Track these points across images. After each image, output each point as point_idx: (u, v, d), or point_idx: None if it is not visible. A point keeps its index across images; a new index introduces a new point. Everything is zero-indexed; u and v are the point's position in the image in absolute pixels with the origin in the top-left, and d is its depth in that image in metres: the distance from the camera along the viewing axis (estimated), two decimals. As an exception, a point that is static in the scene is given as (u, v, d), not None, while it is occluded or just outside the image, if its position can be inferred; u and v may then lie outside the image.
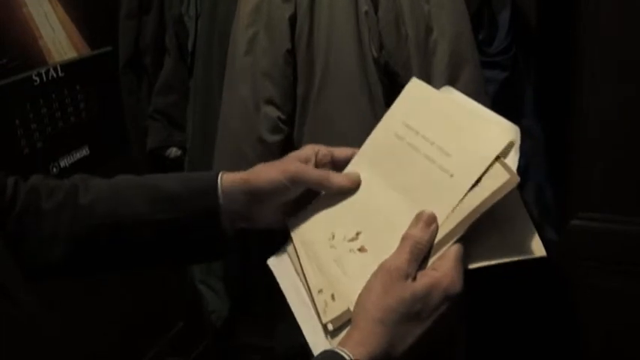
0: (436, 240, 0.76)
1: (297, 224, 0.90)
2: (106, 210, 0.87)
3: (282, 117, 1.63)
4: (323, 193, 0.90)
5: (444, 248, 0.75)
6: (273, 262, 0.92)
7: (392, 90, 1.59)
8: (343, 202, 0.88)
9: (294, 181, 0.87)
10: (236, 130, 1.63)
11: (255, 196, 0.88)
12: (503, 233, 0.76)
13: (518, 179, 0.73)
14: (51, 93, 1.76)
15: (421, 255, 0.75)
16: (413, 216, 0.77)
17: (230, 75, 1.65)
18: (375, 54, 1.58)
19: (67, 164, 1.82)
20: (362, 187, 0.88)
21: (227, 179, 0.89)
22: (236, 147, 1.62)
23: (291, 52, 1.60)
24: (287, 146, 1.64)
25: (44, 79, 1.73)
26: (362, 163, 0.90)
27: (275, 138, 1.63)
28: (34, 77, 1.70)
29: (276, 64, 1.60)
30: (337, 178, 0.88)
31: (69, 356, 0.75)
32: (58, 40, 1.76)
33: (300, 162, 0.90)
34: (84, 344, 1.79)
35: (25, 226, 0.85)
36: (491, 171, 0.75)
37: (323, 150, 0.92)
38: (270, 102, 1.62)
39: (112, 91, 1.93)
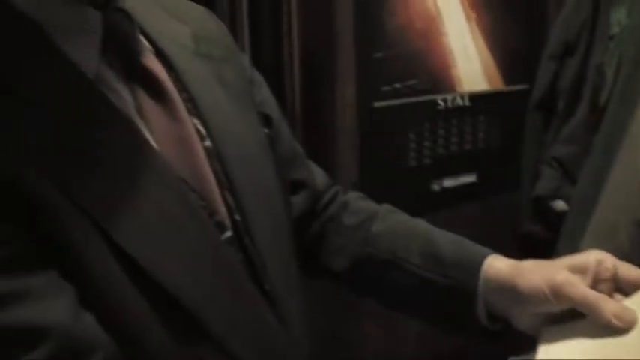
0: None
1: (548, 339, 0.80)
2: (387, 246, 0.92)
3: (677, 203, 1.43)
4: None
5: None
6: None
7: None
8: (604, 338, 0.75)
9: (557, 295, 0.77)
10: (617, 203, 1.49)
11: (514, 297, 0.82)
12: None
13: None
14: (452, 118, 1.86)
15: None
16: None
17: (630, 139, 1.51)
18: None
19: (450, 185, 1.91)
20: (631, 333, 0.74)
21: (493, 267, 0.84)
22: (610, 223, 1.49)
23: None
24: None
25: (449, 104, 1.84)
26: None
27: (659, 226, 1.44)
28: (439, 101, 1.83)
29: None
30: (607, 309, 0.75)
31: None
32: (472, 71, 1.84)
33: (574, 270, 0.79)
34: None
35: (325, 232, 0.96)
36: None
37: (607, 262, 0.79)
38: (667, 183, 1.43)
39: (516, 128, 1.93)
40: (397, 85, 1.80)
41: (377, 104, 1.81)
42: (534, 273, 0.79)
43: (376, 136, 1.83)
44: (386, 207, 0.98)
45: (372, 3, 1.75)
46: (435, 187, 1.91)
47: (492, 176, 2.00)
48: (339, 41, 1.79)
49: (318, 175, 0.98)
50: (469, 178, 1.96)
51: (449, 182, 1.92)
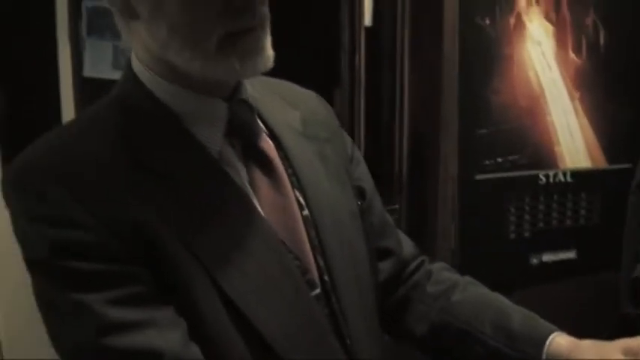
0: None
1: None
2: (463, 315, 1.00)
3: None
4: None
5: None
6: None
7: None
8: None
9: None
10: None
11: None
12: None
13: None
14: (554, 194, 1.90)
15: None
16: None
17: None
18: None
19: (549, 260, 1.94)
20: None
21: (556, 343, 0.91)
22: None
23: None
24: None
25: (551, 180, 1.89)
26: None
27: None
28: (540, 177, 1.89)
29: None
30: None
31: None
32: (575, 148, 1.89)
33: (628, 353, 0.85)
34: None
35: (410, 298, 1.05)
36: None
37: None
38: None
39: (618, 207, 1.93)
40: (499, 160, 1.87)
41: (479, 177, 1.88)
42: (590, 352, 0.87)
43: (477, 207, 1.90)
44: (467, 279, 1.06)
45: (476, 82, 1.84)
46: (534, 260, 1.94)
47: (592, 254, 2.00)
48: (444, 117, 1.89)
49: (406, 245, 1.07)
50: (569, 255, 1.97)
51: (548, 257, 1.95)
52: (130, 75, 0.82)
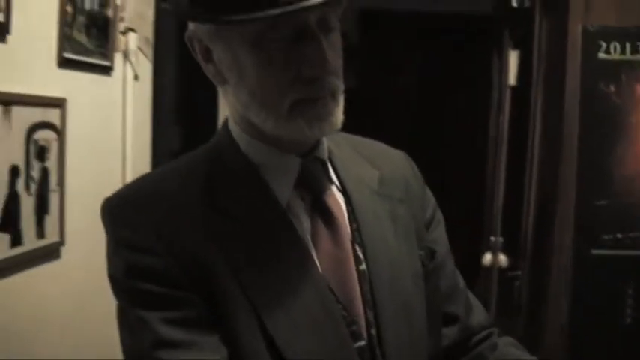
0: None
1: None
2: None
3: None
4: None
5: None
6: None
7: None
8: None
9: None
10: None
11: None
12: None
13: None
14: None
15: None
16: None
17: None
18: None
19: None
20: None
21: None
22: None
23: None
24: None
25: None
26: None
27: None
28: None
29: None
30: None
31: None
32: None
33: None
34: None
35: None
36: None
37: None
38: None
39: None
40: (619, 236, 1.75)
41: (595, 252, 1.78)
42: None
43: (592, 284, 1.80)
44: (532, 358, 1.03)
45: (598, 150, 1.77)
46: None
47: None
48: (562, 184, 1.82)
49: (477, 313, 1.05)
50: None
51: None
52: (225, 129, 0.94)
